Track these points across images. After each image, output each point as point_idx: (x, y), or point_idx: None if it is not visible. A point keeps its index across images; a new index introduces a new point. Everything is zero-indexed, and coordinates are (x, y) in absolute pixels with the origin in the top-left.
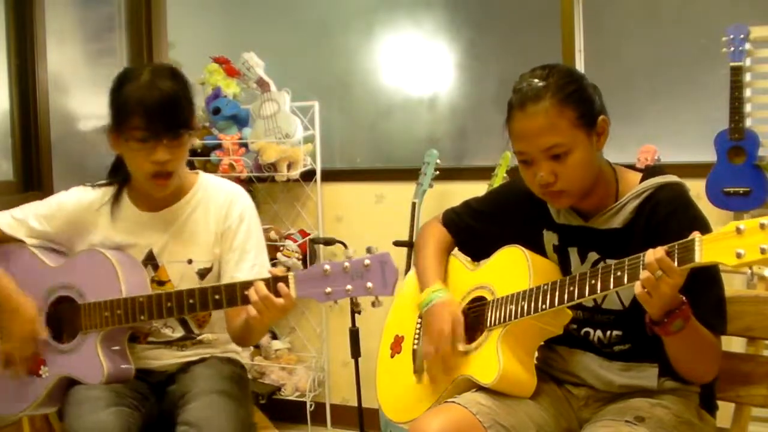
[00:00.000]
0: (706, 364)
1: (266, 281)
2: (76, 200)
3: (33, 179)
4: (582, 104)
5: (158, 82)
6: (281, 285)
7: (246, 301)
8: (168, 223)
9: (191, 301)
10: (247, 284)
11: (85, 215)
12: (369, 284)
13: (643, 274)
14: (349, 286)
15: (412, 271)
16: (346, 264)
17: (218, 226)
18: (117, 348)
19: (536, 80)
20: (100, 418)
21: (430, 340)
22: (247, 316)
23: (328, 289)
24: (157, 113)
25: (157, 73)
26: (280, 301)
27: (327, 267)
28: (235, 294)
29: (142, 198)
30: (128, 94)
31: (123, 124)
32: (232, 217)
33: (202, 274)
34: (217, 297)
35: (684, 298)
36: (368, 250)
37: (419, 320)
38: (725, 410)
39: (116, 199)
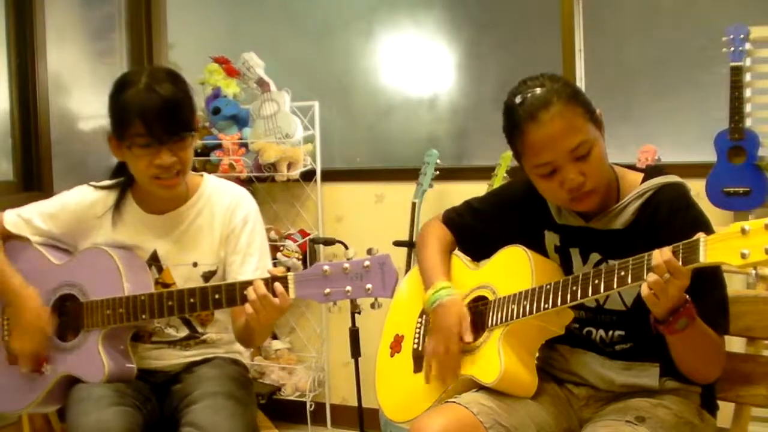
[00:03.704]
0: (711, 363)
1: (265, 281)
2: (79, 201)
3: (33, 179)
4: (583, 101)
5: (157, 86)
6: (277, 284)
7: (246, 300)
8: (173, 226)
9: (192, 300)
10: (247, 284)
11: (89, 217)
12: (368, 286)
13: (651, 276)
14: (348, 288)
15: (412, 271)
16: (346, 265)
17: (223, 228)
18: (119, 347)
19: (537, 90)
20: (103, 417)
21: (439, 338)
22: (245, 315)
23: (327, 290)
24: (157, 118)
25: (155, 77)
26: (276, 300)
27: (326, 268)
28: (235, 293)
29: (147, 200)
30: (127, 101)
31: (124, 131)
32: (237, 220)
33: (207, 277)
34: (217, 296)
35: (688, 296)
36: (368, 252)
37: (419, 320)
38: (725, 410)
39: (120, 202)
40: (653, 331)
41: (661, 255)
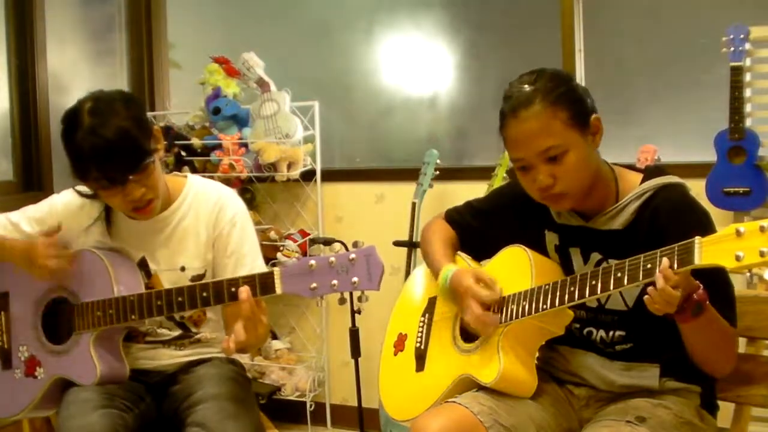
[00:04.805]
0: (728, 352)
1: (252, 278)
2: (64, 205)
3: (33, 179)
4: (573, 104)
5: (100, 128)
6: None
7: (233, 297)
8: (158, 231)
9: (180, 299)
10: (234, 281)
11: (74, 225)
12: (354, 279)
13: (654, 297)
14: (334, 281)
15: (415, 270)
16: (332, 259)
17: (209, 231)
18: (111, 348)
19: (525, 86)
20: (88, 421)
21: (465, 304)
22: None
23: (314, 285)
24: (111, 162)
25: (98, 113)
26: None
27: (312, 262)
28: (222, 291)
29: None
30: (78, 146)
31: (85, 177)
32: (224, 223)
33: (195, 281)
34: (204, 294)
35: (699, 282)
36: (354, 245)
37: (422, 319)
38: (725, 410)
39: (105, 211)
40: (668, 318)
41: (664, 279)
